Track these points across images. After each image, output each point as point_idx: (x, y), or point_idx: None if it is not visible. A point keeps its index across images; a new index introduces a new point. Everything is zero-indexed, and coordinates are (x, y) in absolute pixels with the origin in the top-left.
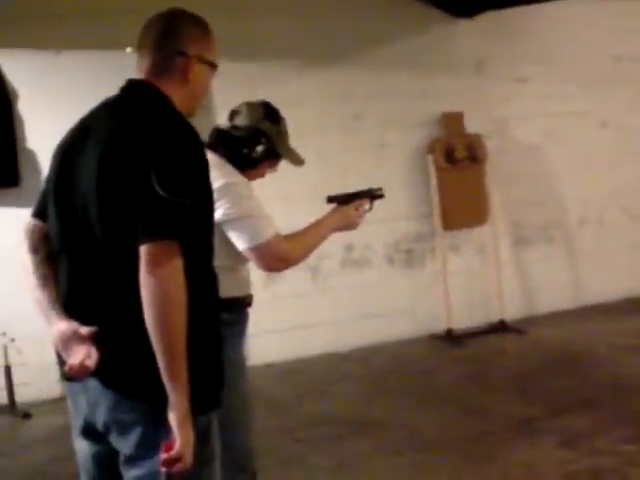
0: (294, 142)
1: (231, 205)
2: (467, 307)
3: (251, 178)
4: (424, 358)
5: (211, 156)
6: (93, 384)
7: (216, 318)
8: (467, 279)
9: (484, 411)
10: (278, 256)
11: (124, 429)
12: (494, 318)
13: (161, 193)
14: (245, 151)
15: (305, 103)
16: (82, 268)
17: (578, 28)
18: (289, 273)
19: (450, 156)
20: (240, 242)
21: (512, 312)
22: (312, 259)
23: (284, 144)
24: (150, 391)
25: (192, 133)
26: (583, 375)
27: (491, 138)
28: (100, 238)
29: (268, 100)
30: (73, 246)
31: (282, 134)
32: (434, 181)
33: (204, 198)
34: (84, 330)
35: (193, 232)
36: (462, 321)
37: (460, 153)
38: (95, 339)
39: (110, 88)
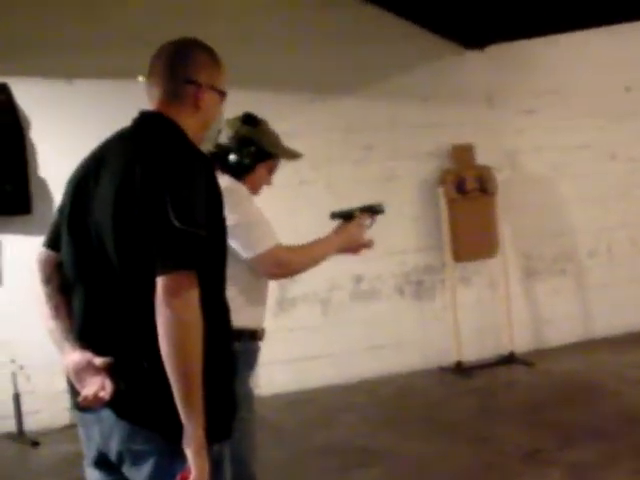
0: (307, 173)
1: (231, 211)
2: (477, 339)
3: (255, 187)
4: (433, 389)
5: None
6: (107, 414)
7: (229, 347)
8: (477, 311)
9: (493, 442)
10: (278, 263)
11: (138, 460)
12: (504, 350)
13: (177, 224)
14: (234, 159)
15: (315, 133)
16: (97, 298)
17: (588, 59)
18: (299, 304)
19: (461, 188)
20: (241, 250)
21: (521, 344)
22: (322, 290)
23: (271, 143)
24: (164, 422)
25: (206, 163)
26: (592, 407)
27: (501, 170)
28: (115, 268)
29: (281, 130)
30: (88, 276)
31: (265, 134)
32: (444, 213)
33: (218, 228)
34: (98, 361)
35: (208, 263)
36: (471, 353)
37: (470, 185)
38: (109, 370)
39: (122, 117)
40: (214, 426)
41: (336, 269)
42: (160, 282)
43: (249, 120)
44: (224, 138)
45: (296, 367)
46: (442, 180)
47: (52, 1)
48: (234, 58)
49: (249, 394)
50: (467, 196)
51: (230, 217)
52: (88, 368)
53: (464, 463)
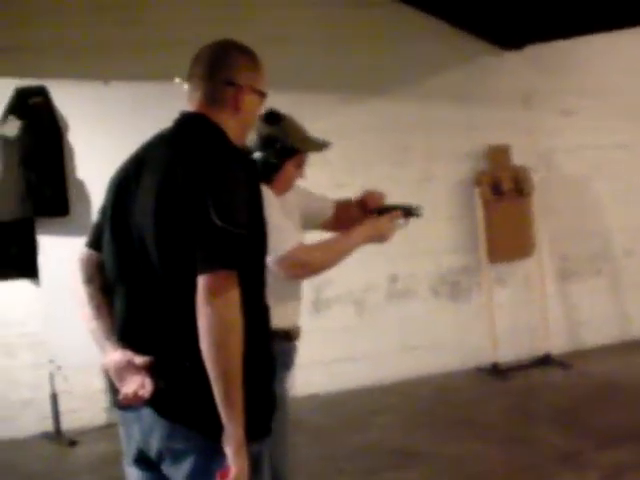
0: (342, 176)
1: None
2: (513, 340)
3: (286, 185)
4: (469, 391)
5: None
6: (147, 413)
7: (269, 347)
8: (513, 312)
9: (529, 444)
10: (299, 264)
11: (177, 458)
12: (540, 351)
13: (219, 224)
14: (260, 160)
15: (352, 134)
16: (138, 298)
17: (625, 60)
18: (334, 305)
19: (496, 189)
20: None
21: (557, 345)
22: (357, 291)
23: (296, 138)
24: (204, 421)
25: (247, 163)
26: (629, 409)
27: (537, 171)
28: (157, 268)
29: (317, 131)
30: (129, 276)
31: (289, 130)
32: (480, 214)
33: (259, 228)
34: (139, 360)
35: (249, 262)
36: (507, 354)
37: (506, 186)
38: (150, 369)
39: (159, 118)
40: (253, 425)
41: (371, 269)
42: (201, 281)
43: (271, 117)
44: (248, 140)
45: (331, 368)
46: (478, 181)
47: (89, 4)
48: (271, 58)
49: (283, 395)
50: (503, 197)
51: None
52: (129, 367)
53: (500, 465)
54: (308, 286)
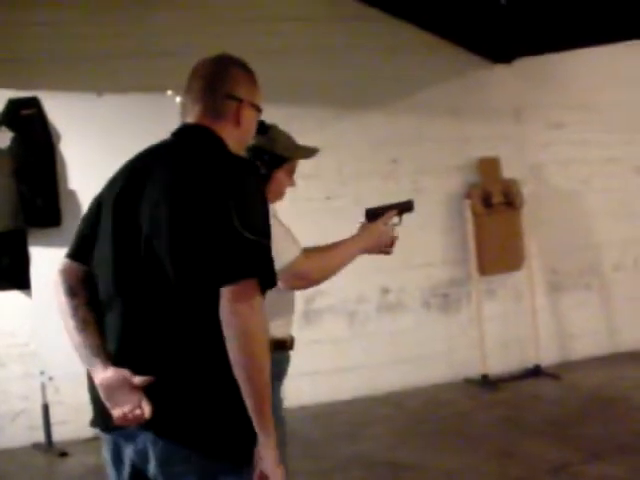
0: (335, 187)
1: None
2: (502, 352)
3: (277, 194)
4: (459, 402)
5: None
6: (142, 434)
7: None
8: (503, 324)
9: (519, 456)
10: (298, 276)
11: (176, 479)
12: (529, 363)
13: (245, 234)
14: None
15: (343, 148)
16: (140, 314)
17: (615, 74)
18: (326, 316)
19: (487, 201)
20: None
21: (547, 357)
22: (348, 302)
23: (284, 146)
24: (205, 440)
25: (258, 174)
26: (619, 421)
27: (527, 184)
28: (170, 281)
29: (305, 144)
30: (131, 291)
31: (277, 139)
32: (470, 226)
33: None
34: (137, 379)
35: (271, 270)
36: (497, 366)
37: (497, 198)
38: (146, 388)
39: (151, 130)
40: (248, 447)
41: (363, 281)
42: (227, 291)
43: (258, 127)
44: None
45: (322, 379)
46: (468, 194)
47: (83, 16)
48: (263, 71)
49: (277, 404)
50: (493, 209)
51: None
52: (123, 386)
53: (490, 477)
54: (299, 297)
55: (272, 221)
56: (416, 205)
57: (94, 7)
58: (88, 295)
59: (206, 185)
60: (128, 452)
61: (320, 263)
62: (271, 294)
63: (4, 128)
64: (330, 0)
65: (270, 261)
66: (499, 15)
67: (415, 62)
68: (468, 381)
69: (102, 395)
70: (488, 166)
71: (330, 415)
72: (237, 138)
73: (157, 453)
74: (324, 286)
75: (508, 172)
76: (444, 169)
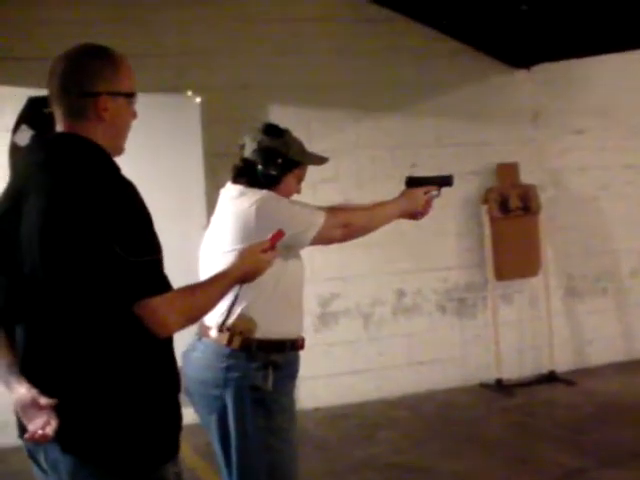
0: (352, 191)
1: (276, 213)
2: (517, 357)
3: (284, 197)
4: (473, 407)
5: (237, 187)
6: (52, 448)
7: (171, 363)
8: (518, 329)
9: (533, 461)
10: (341, 224)
11: None
12: (544, 369)
13: (131, 259)
14: (260, 171)
15: (361, 151)
16: (37, 333)
17: (634, 80)
18: (341, 319)
19: (504, 206)
20: (304, 234)
21: (562, 363)
22: (364, 305)
23: (295, 151)
24: (110, 458)
25: (124, 182)
26: (633, 428)
27: (545, 189)
28: (51, 303)
29: (326, 147)
30: (27, 311)
31: (288, 143)
32: (487, 231)
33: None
34: (43, 401)
35: (164, 281)
36: (512, 371)
37: (514, 203)
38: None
39: (170, 130)
40: (161, 446)
41: (379, 284)
42: (139, 312)
43: (271, 130)
44: (248, 152)
45: (337, 381)
46: (486, 198)
47: (107, 15)
48: (278, 74)
49: (291, 405)
50: (510, 215)
51: (279, 218)
52: (33, 404)
53: None
54: (315, 299)
55: (284, 201)
56: (434, 208)
57: (116, 5)
58: None
59: (78, 218)
60: (42, 459)
61: (362, 213)
62: (282, 296)
63: (24, 126)
64: (352, 2)
65: (159, 274)
66: (519, 21)
67: (435, 66)
68: (483, 386)
69: (18, 411)
70: (506, 171)
71: (344, 417)
72: (106, 133)
73: (66, 466)
74: (340, 289)
75: (526, 177)
76: (462, 173)
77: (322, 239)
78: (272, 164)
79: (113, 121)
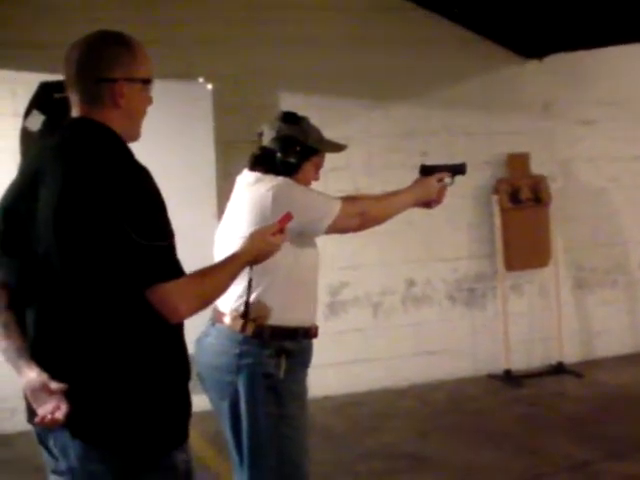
0: (363, 179)
1: (293, 200)
2: (526, 348)
3: (303, 184)
4: (482, 397)
5: (254, 174)
6: (62, 432)
7: (182, 351)
8: (527, 320)
9: (540, 452)
10: (357, 213)
11: (94, 477)
12: (553, 360)
13: (143, 242)
14: (279, 158)
15: (372, 140)
16: (48, 317)
17: None
18: (351, 308)
19: (515, 197)
20: (320, 222)
21: (571, 355)
22: (374, 294)
23: (313, 138)
24: (120, 442)
25: (138, 167)
26: None
27: (556, 180)
28: (64, 287)
29: (337, 135)
30: (38, 295)
31: (306, 131)
32: (498, 221)
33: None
34: (54, 385)
35: (177, 266)
36: (521, 362)
37: (524, 194)
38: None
39: (180, 116)
40: (170, 433)
41: (388, 273)
42: (150, 298)
43: (290, 118)
44: (267, 140)
45: (346, 370)
46: (496, 189)
47: (119, 1)
48: (291, 62)
49: (302, 392)
50: (521, 205)
51: (295, 204)
52: (43, 389)
53: (512, 473)
54: (324, 288)
55: (301, 188)
56: (444, 198)
57: None
58: (8, 297)
59: (92, 201)
60: (51, 443)
61: (377, 201)
62: (297, 284)
63: (36, 111)
64: None
65: (172, 259)
66: (531, 11)
67: (447, 56)
68: (491, 376)
69: (28, 396)
70: (517, 161)
71: (353, 406)
72: (122, 119)
73: (75, 451)
74: (349, 277)
75: (537, 168)
76: (473, 163)
77: (337, 228)
78: (291, 152)
79: (129, 107)
